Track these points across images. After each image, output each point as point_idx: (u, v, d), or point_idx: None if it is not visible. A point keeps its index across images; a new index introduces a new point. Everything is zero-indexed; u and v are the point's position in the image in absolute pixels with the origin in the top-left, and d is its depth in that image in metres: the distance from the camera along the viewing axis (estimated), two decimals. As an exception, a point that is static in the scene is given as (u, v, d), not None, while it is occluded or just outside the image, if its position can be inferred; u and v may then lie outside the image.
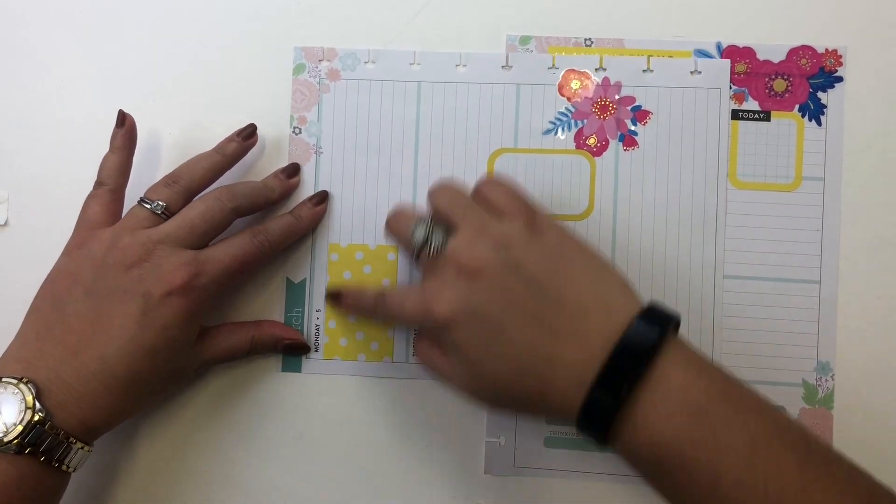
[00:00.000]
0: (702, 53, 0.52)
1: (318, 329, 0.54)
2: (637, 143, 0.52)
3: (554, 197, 0.52)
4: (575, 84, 0.52)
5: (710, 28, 0.52)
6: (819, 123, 0.51)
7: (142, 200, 0.48)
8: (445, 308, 0.41)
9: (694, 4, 0.52)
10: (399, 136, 0.53)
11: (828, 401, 0.50)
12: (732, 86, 0.51)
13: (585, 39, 0.52)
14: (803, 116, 0.51)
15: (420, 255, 0.44)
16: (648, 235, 0.52)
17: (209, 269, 0.46)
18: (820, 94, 0.51)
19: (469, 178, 0.52)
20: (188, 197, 0.49)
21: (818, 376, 0.50)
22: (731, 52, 0.52)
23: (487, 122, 0.53)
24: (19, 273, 0.53)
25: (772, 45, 0.52)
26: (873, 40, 0.51)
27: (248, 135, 0.52)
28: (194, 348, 0.48)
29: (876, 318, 0.51)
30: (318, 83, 0.54)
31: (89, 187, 0.50)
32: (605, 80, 0.52)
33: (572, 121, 0.52)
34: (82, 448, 0.44)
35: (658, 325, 0.38)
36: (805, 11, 0.52)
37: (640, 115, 0.52)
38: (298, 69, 0.54)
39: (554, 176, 0.52)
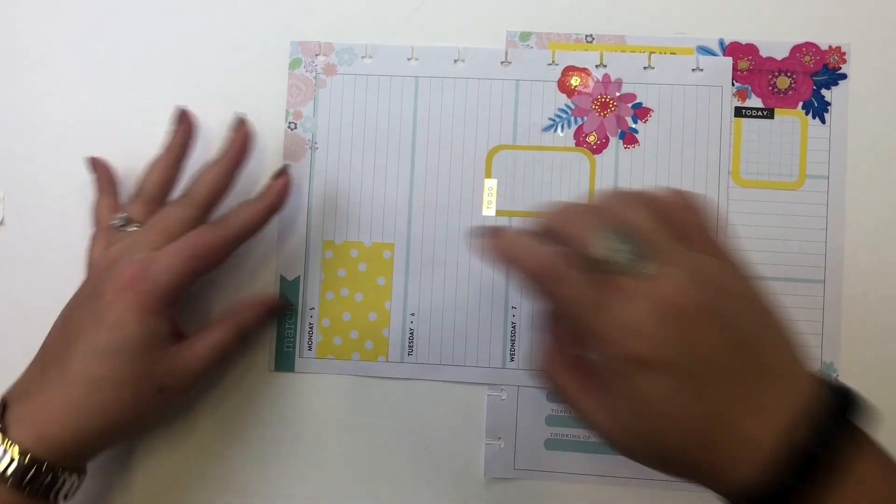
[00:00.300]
0: (704, 50, 0.51)
1: (311, 327, 0.53)
2: (637, 141, 0.52)
3: (553, 195, 0.52)
4: (575, 80, 0.52)
5: (713, 25, 0.52)
6: (823, 121, 0.51)
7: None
8: (641, 346, 0.34)
9: (696, 1, 0.52)
10: (396, 132, 0.53)
11: None
12: (735, 83, 0.51)
13: (587, 36, 0.52)
14: (807, 114, 0.51)
15: (597, 267, 0.37)
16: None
17: (160, 262, 0.44)
18: (824, 92, 0.51)
19: (467, 174, 0.52)
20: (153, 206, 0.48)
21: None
22: (734, 49, 0.51)
23: (486, 119, 0.52)
24: (15, 272, 0.53)
25: (775, 42, 0.51)
26: (877, 37, 0.51)
27: (180, 120, 0.51)
28: (177, 360, 0.45)
29: (881, 319, 0.50)
30: (315, 78, 0.53)
31: (85, 186, 0.51)
32: (606, 76, 0.52)
33: (572, 118, 0.52)
34: (48, 467, 0.41)
35: (852, 410, 0.34)
36: (808, 8, 0.51)
37: (640, 112, 0.52)
38: (294, 63, 0.54)
39: (553, 173, 0.52)
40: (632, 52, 0.52)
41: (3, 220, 0.54)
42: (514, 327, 0.51)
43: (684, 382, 0.34)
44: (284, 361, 0.53)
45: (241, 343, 0.49)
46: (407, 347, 0.52)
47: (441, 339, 0.52)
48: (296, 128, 0.53)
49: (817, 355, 0.50)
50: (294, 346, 0.53)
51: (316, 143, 0.53)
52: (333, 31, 0.54)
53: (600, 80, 0.52)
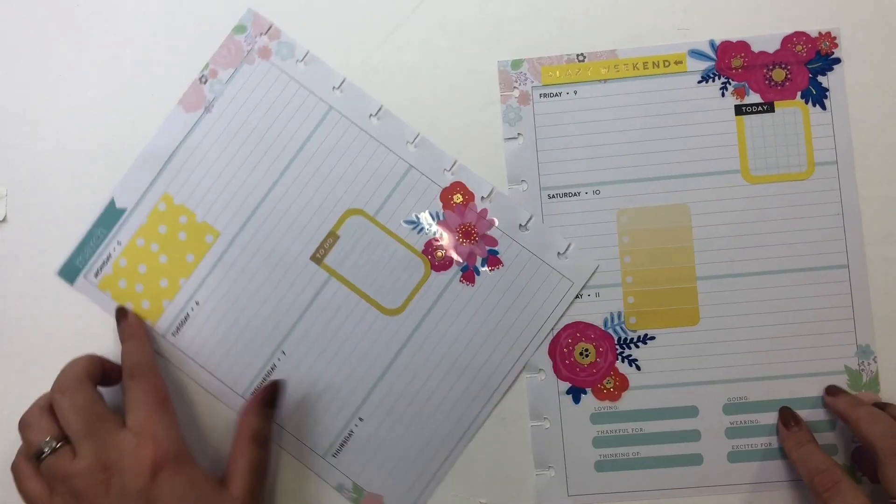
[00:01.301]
0: (697, 54, 0.50)
1: (108, 258, 0.49)
2: (474, 282, 0.49)
3: (379, 281, 0.49)
4: (457, 198, 0.50)
5: (702, 28, 0.50)
6: (823, 107, 0.50)
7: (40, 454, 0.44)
8: None
9: (682, 7, 0.50)
10: (283, 144, 0.50)
11: (873, 384, 0.48)
12: (732, 81, 0.50)
13: (578, 55, 0.50)
14: (807, 102, 0.50)
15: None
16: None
17: (153, 424, 0.43)
18: (820, 78, 0.50)
19: (316, 218, 0.49)
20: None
21: (860, 361, 0.48)
22: (726, 48, 0.50)
23: (364, 180, 0.49)
24: (18, 268, 0.51)
25: (765, 36, 0.50)
26: (865, 17, 0.50)
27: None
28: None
29: None
30: (248, 51, 0.50)
31: (87, 182, 0.50)
32: (484, 211, 0.50)
33: (434, 227, 0.49)
34: None
35: None
36: None
37: (492, 259, 0.49)
38: (239, 29, 0.50)
39: (389, 263, 0.49)
40: (619, 66, 0.50)
41: (5, 217, 0.51)
42: (273, 369, 0.49)
43: None
44: (69, 272, 0.50)
45: (269, 449, 0.48)
46: (175, 328, 0.49)
47: (212, 338, 0.50)
48: (205, 82, 0.50)
49: (852, 340, 0.48)
50: (85, 265, 0.50)
51: (212, 106, 0.49)
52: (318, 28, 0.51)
53: (478, 212, 0.49)
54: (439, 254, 0.49)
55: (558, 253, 0.49)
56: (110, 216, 0.49)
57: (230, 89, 0.49)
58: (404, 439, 0.49)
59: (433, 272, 0.49)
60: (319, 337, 0.49)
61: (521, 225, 0.49)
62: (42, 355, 0.51)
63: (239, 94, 0.50)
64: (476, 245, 0.49)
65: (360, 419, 0.49)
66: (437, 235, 0.49)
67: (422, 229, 0.49)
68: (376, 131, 0.49)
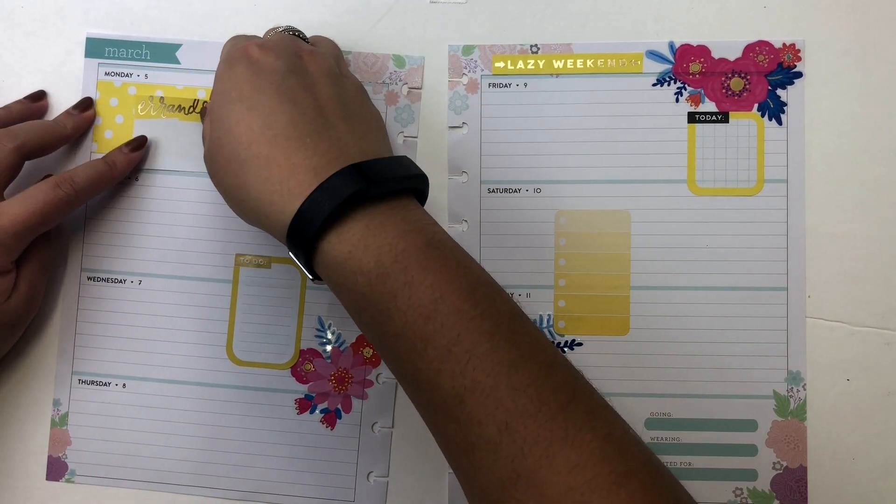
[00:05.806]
0: (654, 55, 0.48)
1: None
2: (334, 425, 0.48)
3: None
4: (367, 351, 0.49)
5: (663, 28, 0.48)
6: (780, 122, 0.49)
7: None
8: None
9: (643, 4, 0.48)
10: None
11: (800, 412, 0.48)
12: (688, 86, 0.48)
13: (532, 46, 0.48)
14: (763, 116, 0.49)
15: None
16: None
17: (3, 225, 0.43)
18: (779, 92, 0.49)
19: None
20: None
21: (789, 387, 0.48)
22: (685, 52, 0.48)
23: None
24: None
25: (727, 42, 0.48)
26: (832, 31, 0.48)
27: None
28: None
29: (847, 323, 0.48)
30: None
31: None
32: (369, 382, 0.48)
33: (329, 349, 0.48)
34: None
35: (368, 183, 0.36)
36: (760, 5, 0.48)
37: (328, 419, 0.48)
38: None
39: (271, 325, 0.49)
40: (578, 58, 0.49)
41: None
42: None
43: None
44: None
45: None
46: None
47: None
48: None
49: (783, 365, 0.48)
50: None
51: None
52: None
53: (365, 377, 0.48)
54: (307, 367, 0.48)
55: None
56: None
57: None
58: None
59: (293, 378, 0.47)
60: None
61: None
62: (42, 355, 0.50)
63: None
64: (340, 395, 0.48)
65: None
66: (323, 355, 0.47)
67: (322, 340, 0.47)
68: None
